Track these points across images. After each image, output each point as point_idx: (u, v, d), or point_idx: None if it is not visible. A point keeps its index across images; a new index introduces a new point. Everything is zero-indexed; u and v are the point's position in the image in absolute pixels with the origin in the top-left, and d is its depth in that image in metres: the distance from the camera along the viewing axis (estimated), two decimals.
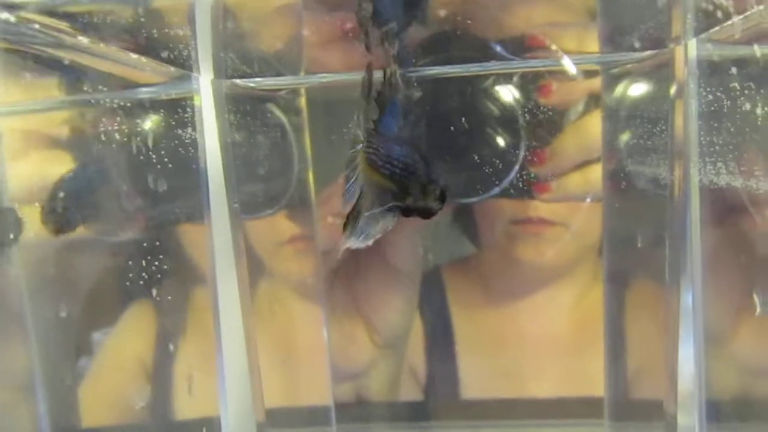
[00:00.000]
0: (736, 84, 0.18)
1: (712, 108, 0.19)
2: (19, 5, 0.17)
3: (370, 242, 0.24)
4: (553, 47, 0.26)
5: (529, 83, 0.29)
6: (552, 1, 0.27)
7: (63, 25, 0.18)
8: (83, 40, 0.17)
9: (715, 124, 0.19)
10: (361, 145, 0.23)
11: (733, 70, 0.18)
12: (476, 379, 0.48)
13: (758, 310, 0.22)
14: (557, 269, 0.47)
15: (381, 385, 0.40)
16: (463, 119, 0.31)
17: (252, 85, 0.25)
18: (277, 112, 0.28)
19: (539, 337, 0.49)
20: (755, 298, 0.22)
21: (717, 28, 0.18)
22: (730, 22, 0.17)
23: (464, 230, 0.55)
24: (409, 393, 0.46)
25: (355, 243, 0.24)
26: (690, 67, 0.19)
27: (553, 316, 0.49)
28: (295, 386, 0.34)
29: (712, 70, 0.18)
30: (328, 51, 0.27)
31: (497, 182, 0.34)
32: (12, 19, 0.17)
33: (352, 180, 0.23)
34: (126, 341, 0.40)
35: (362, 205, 0.23)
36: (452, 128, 0.31)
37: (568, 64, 0.25)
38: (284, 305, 0.37)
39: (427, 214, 0.23)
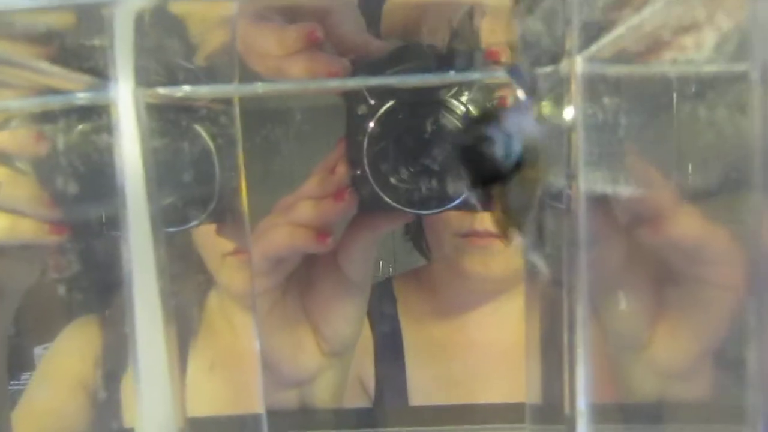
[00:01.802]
0: (614, 98, 0.19)
1: (595, 121, 0.20)
2: None
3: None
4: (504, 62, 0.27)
5: (485, 96, 0.30)
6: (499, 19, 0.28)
7: None
8: None
9: (597, 136, 0.20)
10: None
11: (610, 85, 0.19)
12: (424, 389, 0.49)
13: (623, 305, 0.23)
14: (504, 281, 0.48)
15: (326, 393, 0.40)
16: (422, 132, 0.32)
17: (180, 94, 0.25)
18: (202, 126, 0.28)
19: (487, 346, 0.50)
20: (620, 295, 0.23)
21: (594, 47, 0.19)
22: (603, 41, 0.18)
23: (415, 243, 0.56)
24: (356, 402, 0.47)
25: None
26: (576, 82, 0.20)
27: (500, 326, 0.50)
28: (228, 395, 0.34)
29: (594, 85, 0.19)
30: (293, 60, 0.28)
31: (454, 195, 0.35)
32: None
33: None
34: (63, 360, 0.39)
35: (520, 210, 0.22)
36: (411, 140, 0.32)
37: (521, 94, 0.26)
38: (224, 314, 0.38)
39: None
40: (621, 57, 0.18)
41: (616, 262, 0.25)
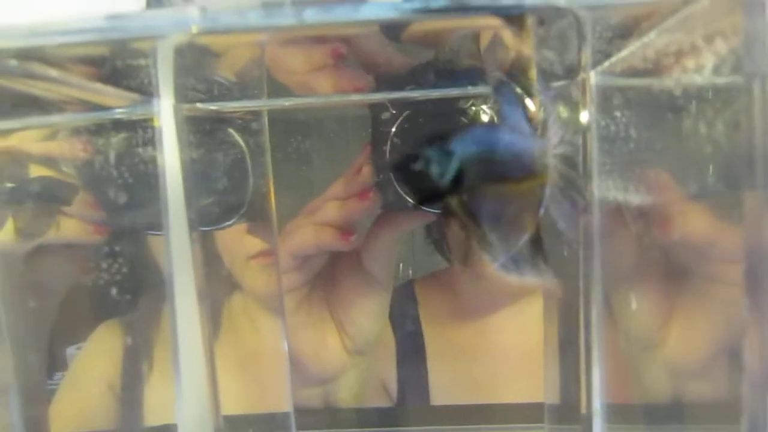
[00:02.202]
0: (624, 110, 0.20)
1: (608, 131, 0.21)
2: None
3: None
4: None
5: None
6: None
7: (37, 65, 0.21)
8: (53, 73, 0.20)
9: (608, 146, 0.21)
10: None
11: (621, 97, 0.20)
12: (446, 391, 0.49)
13: (637, 305, 0.23)
14: (524, 285, 0.48)
15: (348, 392, 0.41)
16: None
17: (214, 108, 0.27)
18: (237, 133, 0.30)
19: (508, 349, 0.50)
20: (634, 295, 0.23)
21: (606, 63, 0.20)
22: (614, 59, 0.19)
23: (436, 245, 0.57)
24: (379, 404, 0.47)
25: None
26: (590, 95, 0.21)
27: (521, 329, 0.50)
28: (254, 394, 0.36)
29: (606, 98, 0.21)
30: (319, 75, 0.30)
31: None
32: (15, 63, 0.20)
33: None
34: (92, 361, 0.41)
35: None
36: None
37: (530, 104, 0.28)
38: (247, 316, 0.39)
39: None
40: (631, 72, 0.20)
41: (630, 263, 0.26)
